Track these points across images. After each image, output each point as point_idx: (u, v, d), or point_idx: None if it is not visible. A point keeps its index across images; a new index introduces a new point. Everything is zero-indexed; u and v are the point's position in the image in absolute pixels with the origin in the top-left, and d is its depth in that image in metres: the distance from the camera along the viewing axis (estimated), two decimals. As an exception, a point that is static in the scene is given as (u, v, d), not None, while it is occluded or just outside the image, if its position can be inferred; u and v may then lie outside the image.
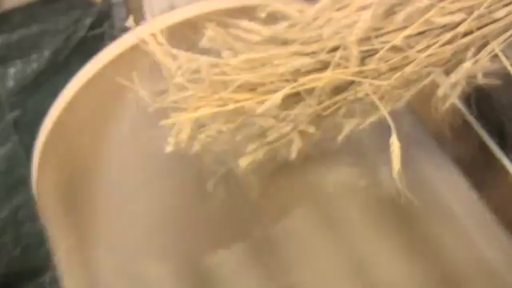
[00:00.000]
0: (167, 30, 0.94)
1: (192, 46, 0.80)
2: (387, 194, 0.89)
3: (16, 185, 1.13)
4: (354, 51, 0.74)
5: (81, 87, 0.97)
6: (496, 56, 0.76)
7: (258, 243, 0.85)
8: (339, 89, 0.77)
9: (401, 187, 0.88)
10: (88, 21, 1.03)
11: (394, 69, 0.76)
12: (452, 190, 0.93)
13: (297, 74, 0.76)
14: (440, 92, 0.76)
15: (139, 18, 1.02)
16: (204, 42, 0.79)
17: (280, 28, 0.80)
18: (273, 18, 0.81)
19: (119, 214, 0.91)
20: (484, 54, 0.74)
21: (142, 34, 0.89)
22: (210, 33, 0.78)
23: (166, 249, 0.88)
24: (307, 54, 0.77)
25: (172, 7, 1.02)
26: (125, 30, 1.02)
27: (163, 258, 0.88)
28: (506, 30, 0.74)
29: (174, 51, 0.79)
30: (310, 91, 0.75)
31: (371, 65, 0.75)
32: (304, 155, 0.82)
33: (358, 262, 0.84)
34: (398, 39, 0.74)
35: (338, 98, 0.76)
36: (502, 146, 1.00)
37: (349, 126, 0.78)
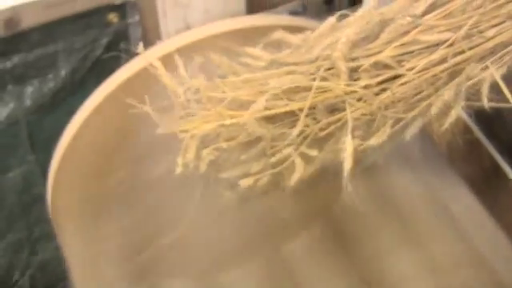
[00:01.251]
0: (180, 49, 0.96)
1: (204, 64, 0.81)
2: (398, 212, 0.89)
3: (32, 203, 1.13)
4: (341, 66, 0.76)
5: (96, 107, 0.98)
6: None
7: (271, 263, 0.86)
8: (334, 108, 0.78)
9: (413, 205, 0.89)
10: (104, 40, 1.04)
11: (385, 89, 0.76)
12: (463, 208, 0.93)
13: (290, 92, 0.77)
14: (433, 110, 0.76)
15: (155, 38, 1.03)
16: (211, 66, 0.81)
17: (281, 53, 0.81)
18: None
19: (134, 232, 0.92)
20: (480, 73, 0.75)
21: (153, 56, 0.91)
22: (216, 60, 0.80)
23: (179, 265, 0.89)
24: (299, 73, 0.78)
25: (188, 27, 1.03)
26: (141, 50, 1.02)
27: (176, 274, 0.89)
28: (500, 49, 0.75)
29: (180, 73, 0.80)
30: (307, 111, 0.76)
31: (361, 81, 0.75)
32: (313, 175, 0.82)
33: (372, 280, 0.84)
34: (381, 55, 0.75)
35: (334, 117, 0.77)
36: (513, 165, 1.01)
37: (350, 148, 0.78)
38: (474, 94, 0.79)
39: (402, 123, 0.80)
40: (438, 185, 0.96)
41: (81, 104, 1.01)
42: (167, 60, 0.99)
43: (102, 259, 0.95)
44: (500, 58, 0.77)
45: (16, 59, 1.00)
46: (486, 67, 0.77)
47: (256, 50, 0.82)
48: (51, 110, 1.07)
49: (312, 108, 0.78)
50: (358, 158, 0.81)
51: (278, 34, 0.82)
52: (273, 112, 0.77)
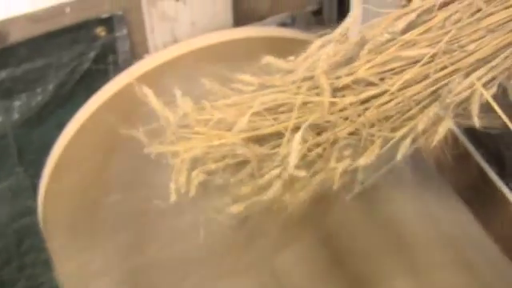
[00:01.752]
0: (168, 62, 0.96)
1: (193, 80, 0.82)
2: (388, 224, 0.90)
3: (21, 215, 1.13)
4: (324, 83, 0.76)
5: (85, 120, 0.98)
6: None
7: (262, 276, 0.86)
8: (321, 129, 0.78)
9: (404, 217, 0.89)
10: (92, 54, 1.04)
11: (370, 107, 0.77)
12: (453, 218, 0.93)
13: (276, 113, 0.78)
14: (420, 127, 0.77)
15: (143, 51, 1.03)
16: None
17: (269, 77, 0.81)
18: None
19: (124, 245, 0.92)
20: (463, 88, 0.76)
21: (141, 70, 0.91)
22: (208, 85, 0.80)
23: (170, 279, 0.89)
24: (281, 91, 0.78)
25: (175, 40, 1.03)
26: (129, 63, 1.03)
27: (166, 284, 0.89)
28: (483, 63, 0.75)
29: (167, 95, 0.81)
30: (294, 131, 0.77)
31: (345, 99, 0.76)
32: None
33: (357, 282, 0.85)
34: (361, 72, 0.76)
35: (321, 137, 0.77)
36: (502, 175, 1.01)
37: (341, 167, 0.79)
38: (464, 110, 0.79)
39: (391, 142, 0.80)
40: (429, 196, 0.97)
41: (69, 117, 1.01)
42: (156, 73, 0.99)
43: (92, 272, 0.95)
44: (486, 73, 0.77)
45: (4, 74, 1.00)
46: (473, 84, 0.77)
47: (245, 76, 0.82)
48: (39, 123, 1.07)
49: (298, 128, 0.78)
50: (352, 177, 0.81)
51: (268, 59, 0.83)
52: (258, 132, 0.78)
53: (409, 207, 0.94)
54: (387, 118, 0.78)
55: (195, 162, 0.79)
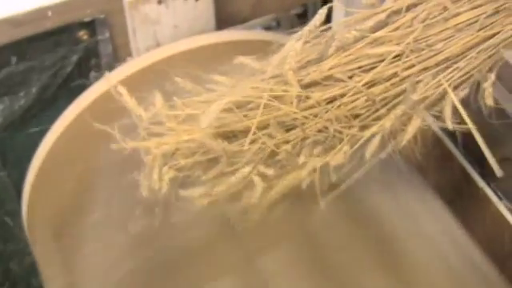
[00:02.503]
0: (151, 66, 0.96)
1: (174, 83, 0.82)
2: (370, 225, 0.90)
3: (4, 220, 1.13)
4: (291, 79, 0.76)
5: (68, 123, 0.98)
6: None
7: (246, 278, 0.86)
8: (289, 127, 0.78)
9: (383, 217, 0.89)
10: (75, 57, 1.04)
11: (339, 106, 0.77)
12: (434, 219, 0.94)
13: (245, 110, 0.78)
14: (387, 125, 0.77)
15: (126, 55, 1.03)
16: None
17: (241, 78, 0.82)
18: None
19: (108, 248, 0.92)
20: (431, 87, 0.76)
21: (123, 74, 0.91)
22: (182, 84, 0.80)
23: (154, 284, 0.89)
24: (251, 89, 0.78)
25: (158, 44, 1.03)
26: (111, 66, 1.03)
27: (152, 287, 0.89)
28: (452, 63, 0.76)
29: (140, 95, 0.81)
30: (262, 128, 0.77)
31: (313, 95, 0.76)
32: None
33: (342, 284, 0.85)
34: (327, 68, 0.76)
35: (288, 134, 0.78)
36: (484, 175, 1.01)
37: (311, 165, 0.79)
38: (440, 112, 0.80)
39: (360, 142, 0.80)
40: (410, 196, 0.97)
41: (52, 121, 1.01)
42: (138, 77, 0.99)
43: (78, 275, 0.95)
44: (453, 72, 0.78)
45: (-14, 77, 1.00)
46: (440, 84, 0.78)
47: (219, 77, 0.82)
48: (22, 126, 1.07)
49: (267, 125, 0.78)
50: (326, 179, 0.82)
51: (240, 60, 0.83)
52: (226, 128, 0.78)
53: (388, 206, 0.94)
54: (356, 117, 0.79)
55: (167, 159, 0.80)
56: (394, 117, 0.78)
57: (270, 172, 0.79)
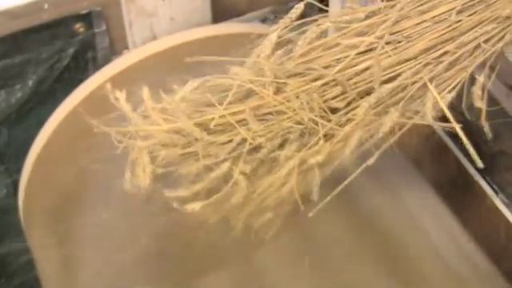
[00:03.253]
0: (147, 58, 0.97)
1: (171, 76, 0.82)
2: (366, 220, 0.90)
3: (2, 213, 1.13)
4: (266, 69, 0.76)
5: (65, 116, 0.98)
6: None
7: (241, 271, 0.86)
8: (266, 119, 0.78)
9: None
10: (71, 50, 1.04)
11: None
12: (430, 213, 0.94)
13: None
14: (360, 112, 0.77)
15: (122, 47, 1.03)
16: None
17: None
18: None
19: (105, 240, 0.92)
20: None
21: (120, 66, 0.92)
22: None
23: (151, 275, 0.89)
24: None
25: (154, 36, 1.03)
26: (108, 59, 1.03)
27: (149, 283, 0.89)
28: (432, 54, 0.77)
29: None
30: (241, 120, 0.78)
31: (289, 85, 0.76)
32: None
33: (337, 280, 0.85)
34: (301, 59, 0.77)
35: (266, 125, 0.78)
36: (480, 169, 1.01)
37: (294, 161, 0.79)
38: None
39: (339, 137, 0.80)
40: (405, 190, 0.97)
41: (49, 114, 1.01)
42: (134, 70, 0.99)
43: (75, 269, 0.95)
44: (432, 64, 0.78)
45: (-18, 70, 1.00)
46: (419, 76, 0.78)
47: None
48: (19, 120, 1.07)
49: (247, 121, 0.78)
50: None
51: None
52: (204, 118, 0.78)
53: (384, 200, 0.94)
54: (333, 111, 0.79)
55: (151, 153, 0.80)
56: (367, 104, 0.77)
57: (248, 168, 0.79)
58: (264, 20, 1.16)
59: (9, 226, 1.11)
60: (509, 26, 0.78)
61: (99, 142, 0.84)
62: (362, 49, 0.78)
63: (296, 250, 0.89)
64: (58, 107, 1.00)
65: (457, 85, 0.78)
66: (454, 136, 1.06)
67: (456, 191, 1.06)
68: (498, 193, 1.02)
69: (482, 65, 0.81)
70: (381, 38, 0.78)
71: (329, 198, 0.80)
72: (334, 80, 0.78)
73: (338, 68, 0.77)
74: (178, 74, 0.83)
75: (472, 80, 0.82)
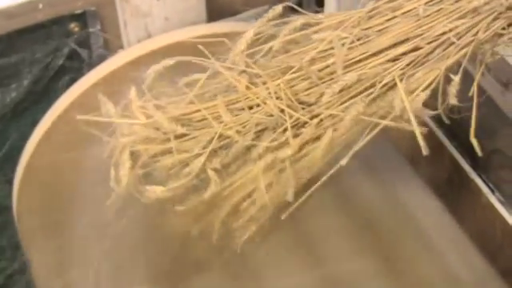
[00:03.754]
0: (142, 57, 0.97)
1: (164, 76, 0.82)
2: (360, 217, 0.90)
3: (-3, 212, 1.13)
4: (240, 62, 0.77)
5: (58, 116, 0.97)
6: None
7: (235, 268, 0.86)
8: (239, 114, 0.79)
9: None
10: (66, 50, 1.04)
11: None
12: (425, 211, 0.94)
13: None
14: (325, 99, 0.77)
15: (117, 47, 1.03)
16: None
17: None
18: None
19: (98, 239, 0.92)
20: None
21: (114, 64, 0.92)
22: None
23: (145, 273, 0.89)
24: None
25: (149, 36, 1.03)
26: (103, 58, 1.03)
27: (143, 281, 0.89)
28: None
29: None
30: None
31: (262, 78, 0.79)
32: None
33: (333, 281, 0.85)
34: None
35: (237, 117, 0.78)
36: (475, 166, 1.01)
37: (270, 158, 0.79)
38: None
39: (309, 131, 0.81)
40: (400, 188, 0.97)
41: (44, 113, 1.01)
42: (129, 69, 0.99)
43: (68, 268, 0.95)
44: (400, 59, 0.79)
45: (-22, 70, 1.00)
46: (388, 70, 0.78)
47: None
48: (14, 119, 1.07)
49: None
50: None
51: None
52: (182, 111, 0.80)
53: (378, 196, 0.95)
54: (304, 103, 0.79)
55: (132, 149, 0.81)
56: (331, 91, 0.78)
57: (219, 163, 0.80)
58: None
59: (4, 224, 1.11)
60: (480, 21, 0.78)
61: (93, 140, 0.84)
62: (333, 44, 0.78)
63: (290, 247, 0.89)
64: (52, 106, 0.99)
65: (431, 83, 0.78)
66: (449, 134, 1.06)
67: (452, 189, 1.06)
68: (493, 191, 1.02)
69: (477, 63, 0.82)
70: (351, 33, 0.79)
71: (303, 197, 0.82)
72: (304, 74, 0.79)
73: (306, 59, 0.79)
74: (172, 72, 0.84)
75: (467, 78, 0.82)
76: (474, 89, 0.80)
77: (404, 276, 0.88)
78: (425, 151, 0.77)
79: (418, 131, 0.77)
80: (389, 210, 0.94)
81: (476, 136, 0.83)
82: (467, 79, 0.81)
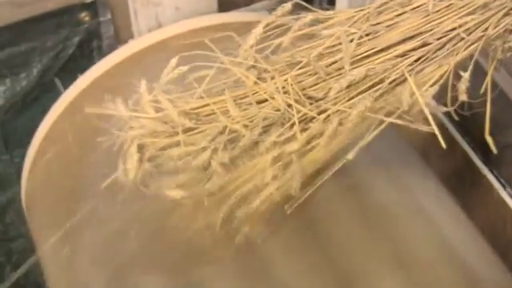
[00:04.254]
0: (152, 47, 0.96)
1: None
2: (371, 211, 0.89)
3: (7, 202, 1.13)
4: (248, 57, 0.76)
5: (68, 105, 0.97)
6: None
7: (245, 259, 0.86)
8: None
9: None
10: (76, 39, 1.04)
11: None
12: (437, 206, 0.93)
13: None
14: (331, 95, 0.77)
15: (127, 36, 1.03)
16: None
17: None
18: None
19: (108, 229, 0.92)
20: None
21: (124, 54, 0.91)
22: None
23: (154, 262, 0.89)
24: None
25: (159, 25, 1.03)
26: (113, 48, 1.02)
27: (152, 270, 0.89)
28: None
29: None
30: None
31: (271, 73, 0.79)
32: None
33: (344, 273, 0.85)
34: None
35: (244, 112, 0.79)
36: (487, 162, 1.01)
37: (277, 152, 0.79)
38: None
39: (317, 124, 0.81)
40: (412, 181, 0.96)
41: (53, 102, 1.01)
42: (139, 58, 0.99)
43: (77, 258, 0.95)
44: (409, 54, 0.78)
45: (-13, 58, 1.00)
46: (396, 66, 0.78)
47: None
48: (24, 108, 1.06)
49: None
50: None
51: None
52: (190, 106, 0.80)
53: (392, 195, 0.94)
54: (311, 99, 0.79)
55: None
56: (338, 86, 0.77)
57: (227, 157, 0.80)
58: (271, 10, 1.15)
59: (15, 213, 1.11)
60: (490, 17, 0.78)
61: (102, 130, 0.84)
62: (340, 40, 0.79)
63: (302, 241, 0.89)
64: (62, 95, 0.99)
65: (439, 79, 0.78)
66: (462, 129, 1.05)
67: (463, 184, 1.05)
68: (505, 186, 1.01)
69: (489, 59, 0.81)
70: (359, 28, 0.79)
71: (307, 194, 0.82)
72: (312, 69, 0.79)
73: (313, 54, 0.78)
74: (183, 62, 0.83)
75: (480, 72, 0.81)
76: (488, 86, 0.80)
77: (414, 268, 0.87)
78: (443, 145, 0.77)
79: (433, 123, 0.77)
80: (400, 205, 0.93)
81: (488, 132, 0.82)
82: (480, 73, 0.81)
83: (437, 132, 0.77)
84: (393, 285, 0.85)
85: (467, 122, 0.87)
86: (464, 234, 0.93)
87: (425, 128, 0.78)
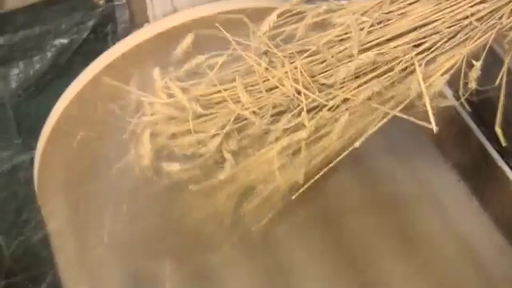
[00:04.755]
0: (167, 31, 0.96)
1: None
2: (385, 199, 0.89)
3: (19, 187, 1.13)
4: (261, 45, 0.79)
5: (81, 89, 0.97)
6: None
7: (255, 245, 0.86)
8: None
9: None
10: (91, 23, 1.03)
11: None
12: (451, 195, 0.92)
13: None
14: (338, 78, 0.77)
15: (143, 21, 1.02)
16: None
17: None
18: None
19: (120, 214, 0.92)
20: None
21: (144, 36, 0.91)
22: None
23: (166, 249, 0.89)
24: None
25: (175, 10, 1.02)
26: (128, 32, 1.02)
27: (164, 257, 0.89)
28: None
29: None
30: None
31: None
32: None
33: (354, 262, 0.84)
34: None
35: (254, 98, 0.80)
36: (503, 153, 1.00)
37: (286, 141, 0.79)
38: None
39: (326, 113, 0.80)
40: (426, 170, 0.96)
41: (67, 86, 1.00)
42: (154, 43, 0.98)
43: (88, 243, 0.95)
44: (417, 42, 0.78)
45: (1, 40, 1.00)
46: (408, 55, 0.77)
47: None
48: (37, 92, 1.06)
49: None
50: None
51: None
52: (202, 92, 0.81)
53: (408, 184, 0.94)
54: (321, 86, 0.79)
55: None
56: (346, 70, 0.77)
57: (236, 144, 0.80)
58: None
59: (29, 197, 1.11)
60: (504, 6, 0.77)
61: (114, 114, 0.84)
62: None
63: (315, 220, 0.88)
64: (75, 79, 0.99)
65: (451, 68, 0.77)
66: (477, 119, 1.05)
67: (478, 175, 1.04)
68: (520, 178, 1.01)
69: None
70: (371, 17, 0.78)
71: (312, 180, 0.81)
72: (321, 57, 0.79)
73: (323, 41, 0.79)
74: (198, 47, 0.83)
75: (496, 61, 0.81)
76: (503, 77, 0.79)
77: (427, 258, 0.87)
78: (434, 129, 0.76)
79: (432, 119, 0.76)
80: (415, 195, 0.93)
81: (502, 122, 0.81)
82: (496, 62, 0.80)
83: (435, 130, 0.76)
84: (406, 274, 0.85)
85: (483, 111, 0.87)
86: (478, 226, 0.93)
87: (425, 124, 0.77)
